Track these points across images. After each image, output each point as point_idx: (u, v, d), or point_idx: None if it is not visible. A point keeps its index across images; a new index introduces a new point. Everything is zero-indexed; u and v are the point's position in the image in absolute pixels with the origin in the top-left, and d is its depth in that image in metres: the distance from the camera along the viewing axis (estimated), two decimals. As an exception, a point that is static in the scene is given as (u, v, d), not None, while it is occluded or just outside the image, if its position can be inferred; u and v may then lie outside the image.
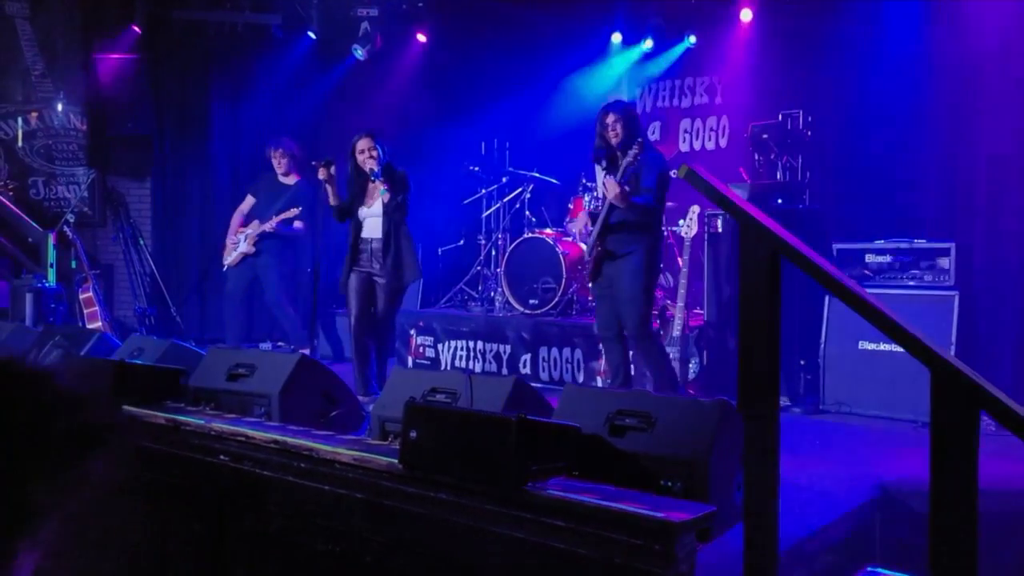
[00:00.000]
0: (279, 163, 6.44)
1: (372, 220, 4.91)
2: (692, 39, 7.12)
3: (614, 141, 4.45)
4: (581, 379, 5.64)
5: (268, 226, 6.22)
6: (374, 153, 4.83)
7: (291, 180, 6.46)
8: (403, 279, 4.94)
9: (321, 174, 4.92)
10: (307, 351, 6.18)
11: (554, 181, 7.11)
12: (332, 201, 4.97)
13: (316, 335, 6.26)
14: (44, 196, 7.87)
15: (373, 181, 4.83)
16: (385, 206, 4.83)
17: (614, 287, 4.45)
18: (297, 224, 6.29)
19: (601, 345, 4.97)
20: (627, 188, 4.29)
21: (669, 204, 6.34)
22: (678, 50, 7.32)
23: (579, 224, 4.68)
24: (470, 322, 6.45)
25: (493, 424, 2.34)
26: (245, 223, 6.46)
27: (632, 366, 4.67)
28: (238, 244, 6.37)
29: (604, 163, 4.56)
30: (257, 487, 2.94)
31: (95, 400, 1.00)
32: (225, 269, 6.54)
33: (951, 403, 1.73)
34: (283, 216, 6.20)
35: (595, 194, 6.56)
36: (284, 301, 6.40)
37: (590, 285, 4.68)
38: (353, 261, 4.96)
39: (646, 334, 4.45)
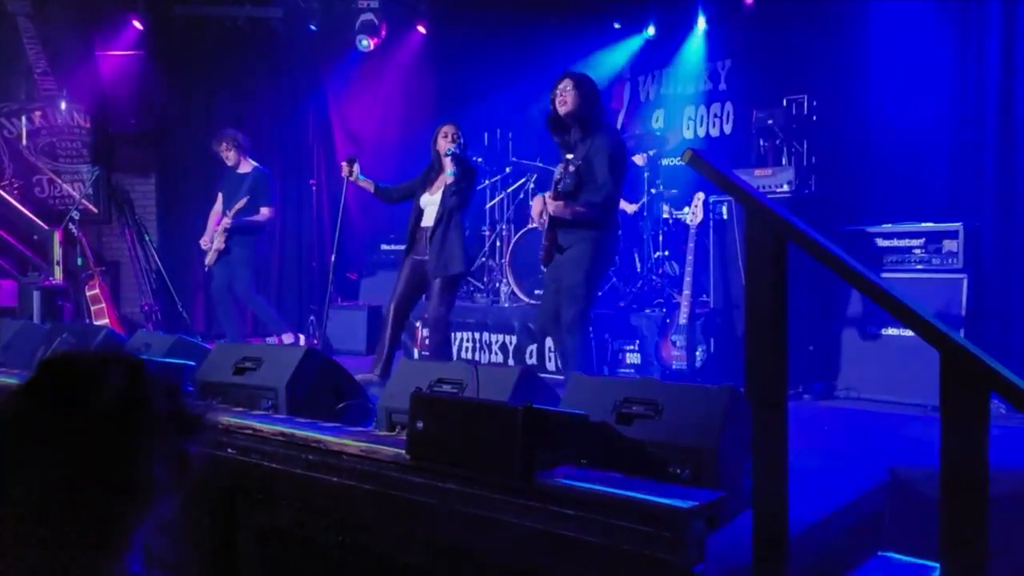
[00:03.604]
0: (226, 156, 6.36)
1: (431, 208, 4.94)
2: (701, 26, 7.08)
3: (561, 110, 4.18)
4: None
5: (225, 222, 6.18)
6: (457, 139, 4.98)
7: (247, 168, 6.37)
8: (447, 268, 4.83)
9: (344, 171, 5.14)
10: (291, 339, 6.24)
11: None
12: (371, 190, 5.22)
13: (322, 325, 6.24)
14: (49, 194, 7.88)
15: (447, 155, 4.93)
16: (446, 187, 4.86)
17: (558, 278, 4.23)
18: (263, 211, 6.23)
19: (541, 334, 4.67)
20: (564, 202, 4.09)
21: (673, 191, 6.35)
22: (681, 37, 7.28)
23: (535, 210, 4.48)
24: (476, 313, 6.44)
25: (500, 413, 2.34)
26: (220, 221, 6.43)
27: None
28: (212, 243, 6.33)
29: (556, 138, 4.34)
30: (265, 480, 2.94)
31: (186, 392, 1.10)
32: (207, 269, 6.51)
33: (961, 386, 1.72)
34: (235, 208, 6.15)
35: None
36: (255, 293, 6.34)
37: (543, 268, 4.43)
38: (409, 248, 5.01)
39: (575, 330, 4.12)
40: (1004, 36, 5.06)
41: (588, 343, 4.22)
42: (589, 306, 4.20)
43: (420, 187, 5.07)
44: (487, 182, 7.25)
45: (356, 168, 5.14)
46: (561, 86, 4.20)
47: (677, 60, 7.39)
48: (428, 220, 4.95)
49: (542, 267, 4.46)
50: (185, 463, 1.08)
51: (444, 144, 4.96)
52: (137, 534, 1.01)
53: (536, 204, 4.46)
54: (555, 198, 4.13)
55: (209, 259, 6.33)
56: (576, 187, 4.13)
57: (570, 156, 4.21)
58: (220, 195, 6.47)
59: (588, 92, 4.19)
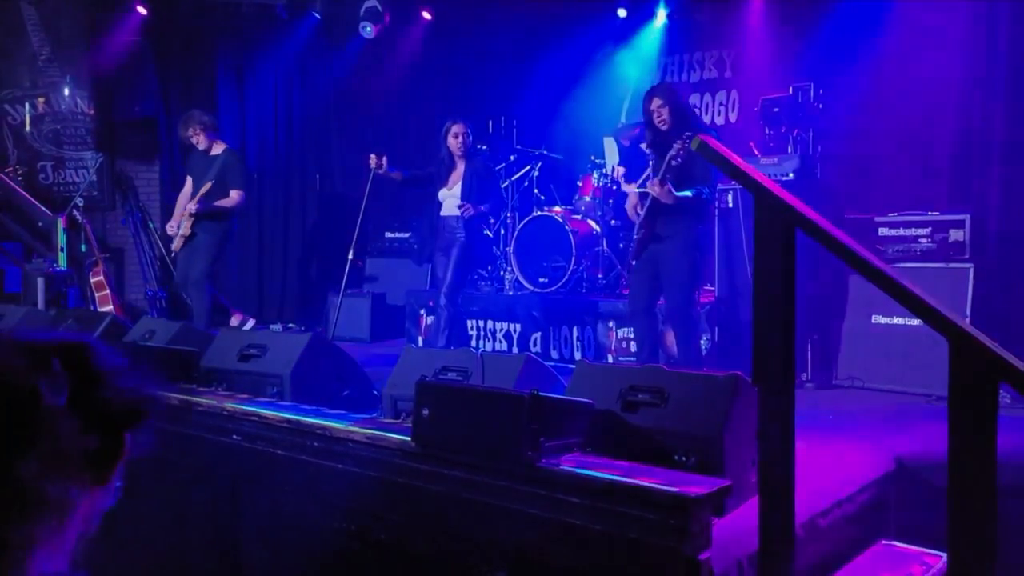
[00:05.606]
0: (196, 140, 6.08)
1: (451, 200, 5.31)
2: (705, 13, 7.04)
3: (663, 128, 4.40)
4: (591, 357, 5.63)
5: (191, 207, 5.88)
6: (467, 139, 5.32)
7: (218, 150, 6.09)
8: (474, 249, 5.34)
9: (372, 162, 5.35)
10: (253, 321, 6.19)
11: (561, 158, 7.07)
12: (399, 180, 5.52)
13: (337, 313, 6.19)
14: (53, 181, 7.87)
15: (460, 157, 5.26)
16: (463, 184, 5.25)
17: (659, 266, 4.45)
18: (233, 194, 5.92)
19: (631, 320, 4.98)
20: (669, 187, 4.28)
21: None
22: (686, 24, 7.24)
23: (630, 203, 4.74)
24: (480, 301, 6.44)
25: (505, 401, 2.33)
26: None
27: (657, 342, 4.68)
28: (179, 229, 6.01)
29: (651, 152, 4.56)
30: (271, 466, 2.95)
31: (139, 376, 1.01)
32: (173, 256, 6.26)
33: (971, 375, 1.71)
34: (200, 193, 5.86)
35: (603, 171, 6.53)
36: (206, 283, 5.97)
37: (632, 262, 4.64)
38: (434, 239, 5.43)
39: (688, 314, 4.49)
40: (1012, 23, 5.02)
41: (697, 331, 4.62)
42: (695, 294, 4.55)
43: (438, 180, 5.41)
44: (491, 170, 7.24)
45: (385, 161, 5.34)
46: (654, 106, 4.41)
47: (682, 47, 7.34)
48: (448, 211, 5.34)
49: (631, 261, 4.65)
50: (99, 458, 0.92)
51: (455, 144, 5.29)
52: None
53: (631, 198, 4.68)
54: (661, 184, 4.31)
55: (176, 245, 6.06)
56: (677, 182, 4.33)
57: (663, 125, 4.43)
58: (189, 178, 6.19)
59: (678, 101, 4.47)
